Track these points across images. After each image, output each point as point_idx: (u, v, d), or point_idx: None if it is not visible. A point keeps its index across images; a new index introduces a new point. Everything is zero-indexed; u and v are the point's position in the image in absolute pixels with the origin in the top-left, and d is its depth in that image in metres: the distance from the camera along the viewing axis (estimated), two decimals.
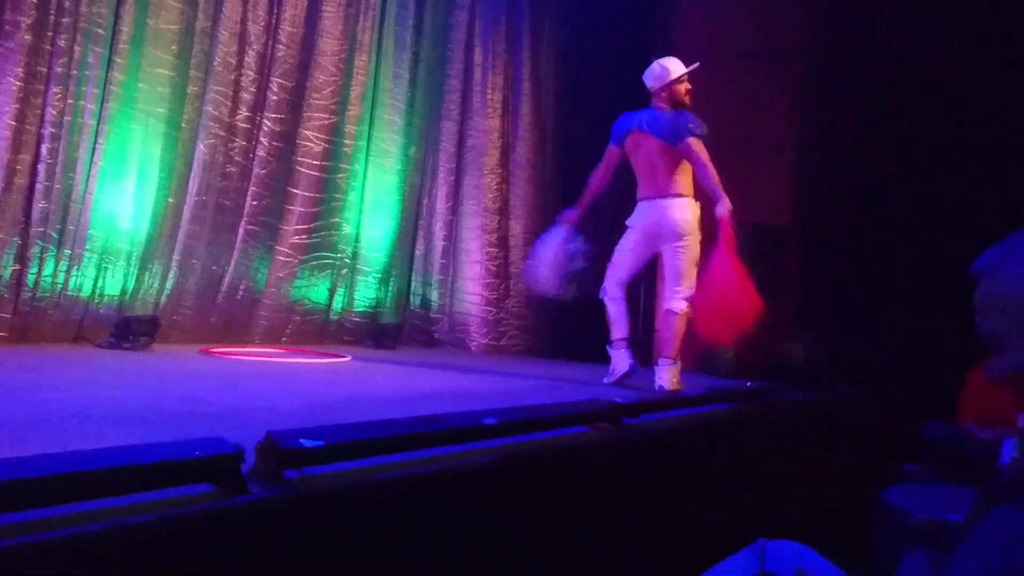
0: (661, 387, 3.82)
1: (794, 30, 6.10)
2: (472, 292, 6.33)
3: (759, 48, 6.08)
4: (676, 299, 3.91)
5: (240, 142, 5.01)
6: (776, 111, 6.06)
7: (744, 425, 3.38)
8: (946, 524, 1.07)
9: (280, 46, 5.19)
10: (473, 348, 6.22)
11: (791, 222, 5.92)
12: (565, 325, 6.32)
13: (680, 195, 3.96)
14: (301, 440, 1.53)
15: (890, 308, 5.55)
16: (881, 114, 5.89)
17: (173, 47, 4.57)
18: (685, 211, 3.94)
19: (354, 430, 1.74)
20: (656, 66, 4.13)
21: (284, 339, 5.32)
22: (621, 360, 3.97)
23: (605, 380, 4.00)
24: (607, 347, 4.05)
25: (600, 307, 4.13)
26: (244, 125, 5.03)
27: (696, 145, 3.96)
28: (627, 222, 4.10)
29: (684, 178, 3.99)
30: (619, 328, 4.02)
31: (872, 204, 5.83)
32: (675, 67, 4.09)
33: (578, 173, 6.49)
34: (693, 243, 3.94)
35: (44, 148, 4.04)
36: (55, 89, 4.05)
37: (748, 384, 4.12)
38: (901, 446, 4.10)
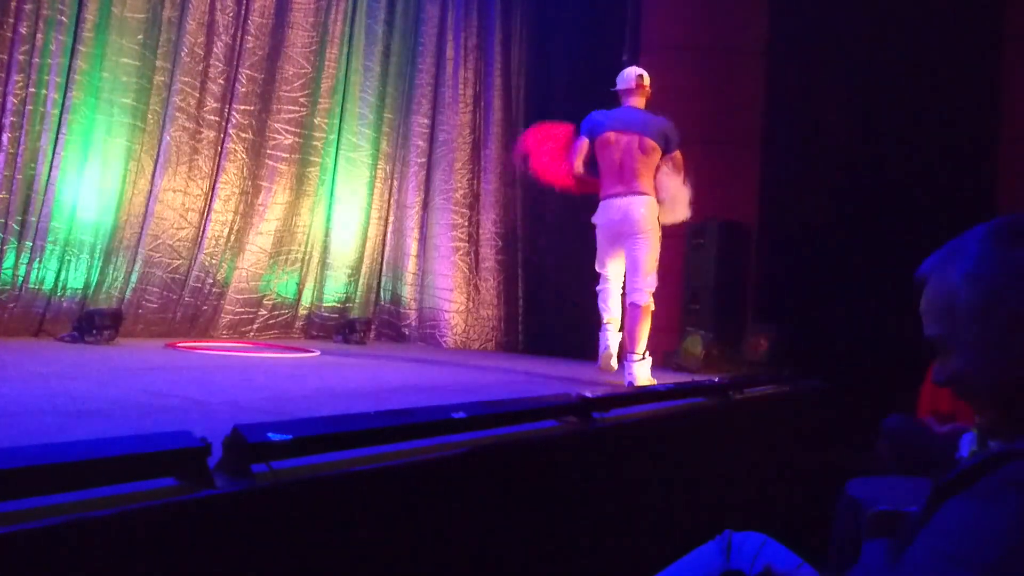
0: (631, 383, 3.85)
1: (757, 26, 6.17)
2: (442, 287, 6.32)
3: (724, 44, 6.14)
4: (639, 292, 3.98)
5: (208, 134, 4.95)
6: (741, 108, 6.12)
7: (711, 419, 3.42)
8: (905, 515, 1.09)
9: (249, 37, 5.13)
10: (443, 343, 6.22)
11: (756, 219, 5.99)
12: (534, 321, 6.35)
13: (645, 193, 4.05)
14: (268, 434, 1.51)
15: (852, 303, 5.65)
16: (845, 110, 5.98)
17: (139, 36, 4.50)
18: (648, 208, 4.03)
19: (322, 424, 1.73)
20: (634, 69, 4.28)
21: (251, 333, 5.27)
22: (601, 341, 4.16)
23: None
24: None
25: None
26: (212, 117, 4.96)
27: (680, 156, 4.17)
28: (593, 219, 4.16)
29: (649, 178, 4.09)
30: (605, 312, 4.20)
31: (836, 200, 5.92)
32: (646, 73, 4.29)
33: None
34: (654, 238, 4.03)
35: (5, 137, 3.96)
36: (16, 77, 3.97)
37: (716, 379, 4.17)
38: (863, 438, 4.18)
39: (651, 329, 4.01)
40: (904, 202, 5.60)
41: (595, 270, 4.19)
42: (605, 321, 4.17)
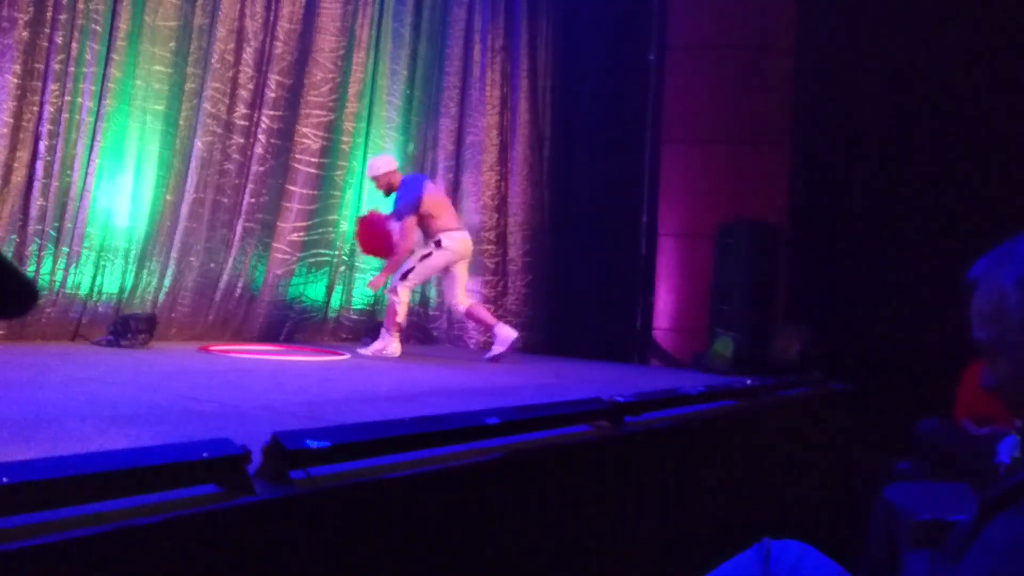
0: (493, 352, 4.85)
1: (785, 23, 6.10)
2: (470, 289, 6.32)
3: (751, 41, 6.08)
4: (467, 298, 5.14)
5: (238, 139, 5.00)
6: (770, 106, 6.05)
7: (743, 422, 3.40)
8: (949, 525, 1.07)
9: (278, 43, 5.17)
10: (471, 345, 6.22)
11: (786, 219, 5.92)
12: (563, 322, 6.34)
13: None
14: (307, 440, 1.53)
15: (883, 305, 5.57)
16: (875, 108, 5.90)
17: (171, 44, 4.55)
18: None
19: (359, 430, 1.75)
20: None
21: (282, 337, 5.31)
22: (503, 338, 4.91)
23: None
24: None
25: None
26: (242, 122, 5.01)
27: None
28: (448, 245, 4.92)
29: None
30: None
31: (867, 200, 5.85)
32: None
33: (574, 170, 6.56)
34: None
35: (42, 145, 4.03)
36: (52, 86, 4.04)
37: (748, 382, 4.14)
38: (895, 442, 4.13)
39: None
40: (937, 202, 5.52)
41: (400, 283, 4.89)
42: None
